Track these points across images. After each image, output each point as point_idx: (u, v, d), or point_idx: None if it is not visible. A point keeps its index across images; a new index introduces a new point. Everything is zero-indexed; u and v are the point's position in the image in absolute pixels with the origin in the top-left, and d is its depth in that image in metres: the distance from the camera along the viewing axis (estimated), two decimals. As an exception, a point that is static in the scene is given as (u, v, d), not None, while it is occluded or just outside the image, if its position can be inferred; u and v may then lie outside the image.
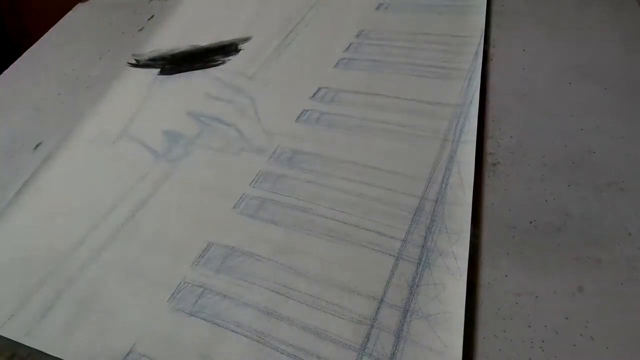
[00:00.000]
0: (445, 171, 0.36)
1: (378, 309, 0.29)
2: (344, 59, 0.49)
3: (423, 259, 0.31)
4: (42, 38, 0.63)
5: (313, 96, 0.46)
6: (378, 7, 0.56)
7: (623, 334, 0.27)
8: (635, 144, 0.37)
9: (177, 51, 0.55)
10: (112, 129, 0.46)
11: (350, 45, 0.51)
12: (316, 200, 0.36)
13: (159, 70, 0.53)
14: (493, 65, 0.46)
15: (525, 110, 0.41)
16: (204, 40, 0.56)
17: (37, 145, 0.47)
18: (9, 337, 0.31)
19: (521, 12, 0.52)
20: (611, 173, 0.35)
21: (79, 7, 0.68)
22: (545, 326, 0.28)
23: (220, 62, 0.52)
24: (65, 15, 0.67)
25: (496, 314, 0.28)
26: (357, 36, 0.52)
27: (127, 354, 0.29)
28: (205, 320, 0.30)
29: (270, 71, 0.50)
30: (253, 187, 0.38)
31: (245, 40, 0.55)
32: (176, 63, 0.53)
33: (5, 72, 0.58)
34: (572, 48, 0.46)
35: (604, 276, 0.29)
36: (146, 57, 0.55)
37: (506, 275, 0.30)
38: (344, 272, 0.31)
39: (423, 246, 0.32)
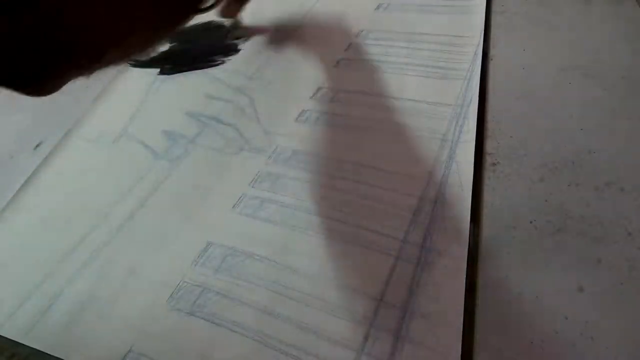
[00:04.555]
0: (445, 171, 0.36)
1: (377, 308, 0.29)
2: (343, 59, 0.49)
3: (422, 259, 0.31)
4: (42, 38, 0.63)
5: (313, 96, 0.46)
6: (378, 7, 0.56)
7: (623, 334, 0.27)
8: (635, 144, 0.37)
9: (177, 51, 0.55)
10: (112, 129, 0.46)
11: (350, 45, 0.51)
12: (316, 200, 0.36)
13: (159, 70, 0.53)
14: (493, 65, 0.46)
15: (525, 110, 0.41)
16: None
17: (37, 145, 0.47)
18: (9, 337, 0.31)
19: (521, 12, 0.52)
20: (611, 173, 0.35)
21: (80, 7, 0.68)
22: (545, 326, 0.28)
23: (220, 62, 0.52)
24: (66, 16, 0.67)
25: (496, 314, 0.28)
26: (357, 36, 0.52)
27: (126, 354, 0.29)
28: (204, 319, 0.30)
29: (270, 71, 0.50)
30: (252, 187, 0.38)
31: (246, 40, 0.55)
32: (176, 63, 0.53)
33: (6, 72, 0.58)
34: (572, 48, 0.46)
35: (604, 276, 0.29)
36: (146, 57, 0.55)
37: (506, 275, 0.30)
38: (343, 272, 0.31)
39: (422, 246, 0.32)
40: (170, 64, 0.53)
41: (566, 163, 0.36)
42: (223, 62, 0.52)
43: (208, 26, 0.58)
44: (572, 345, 0.27)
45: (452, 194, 0.35)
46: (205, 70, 0.52)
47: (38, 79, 0.21)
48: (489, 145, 0.38)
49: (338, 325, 0.29)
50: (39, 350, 0.31)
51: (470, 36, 0.49)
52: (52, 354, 0.30)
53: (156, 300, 0.32)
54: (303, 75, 0.48)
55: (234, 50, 0.53)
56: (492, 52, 0.47)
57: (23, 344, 0.31)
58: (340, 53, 0.50)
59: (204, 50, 0.54)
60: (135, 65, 0.54)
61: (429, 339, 0.27)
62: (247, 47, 0.54)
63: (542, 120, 0.40)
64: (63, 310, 0.32)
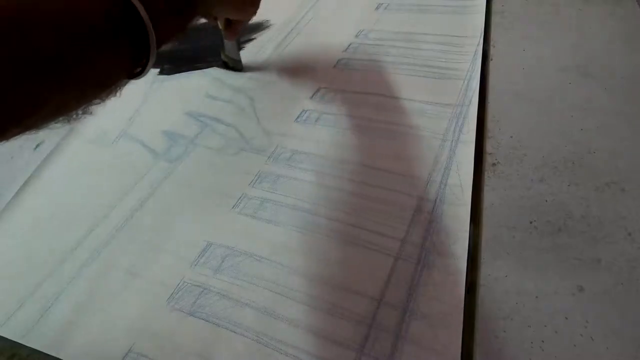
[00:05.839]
0: (444, 171, 0.36)
1: (377, 309, 0.29)
2: (343, 59, 0.49)
3: (422, 259, 0.31)
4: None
5: (312, 96, 0.46)
6: (378, 7, 0.56)
7: (623, 334, 0.27)
8: (635, 144, 0.37)
9: (177, 51, 0.55)
10: (112, 129, 0.46)
11: (350, 45, 0.51)
12: (316, 200, 0.36)
13: (159, 70, 0.53)
14: (493, 65, 0.46)
15: (525, 110, 0.41)
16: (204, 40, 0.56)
17: (37, 145, 0.47)
18: (9, 337, 0.31)
19: (521, 12, 0.52)
20: (611, 173, 0.35)
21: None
22: (545, 326, 0.28)
23: (220, 62, 0.52)
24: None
25: (496, 314, 0.28)
26: (357, 36, 0.52)
27: (126, 354, 0.29)
28: (204, 320, 0.30)
29: (270, 71, 0.50)
30: (252, 187, 0.38)
31: (246, 40, 0.55)
32: (176, 63, 0.53)
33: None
34: (572, 48, 0.46)
35: (604, 276, 0.29)
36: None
37: (506, 275, 0.30)
38: (343, 272, 0.31)
39: (422, 246, 0.32)
40: (170, 64, 0.53)
41: (566, 163, 0.36)
42: (223, 62, 0.52)
43: (208, 26, 0.58)
44: (572, 345, 0.27)
45: (452, 194, 0.35)
46: (205, 70, 0.52)
47: None
48: (489, 145, 0.38)
49: (338, 325, 0.29)
50: (39, 350, 0.31)
51: (470, 36, 0.49)
52: (52, 354, 0.30)
53: (156, 300, 0.32)
54: (303, 75, 0.48)
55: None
56: (492, 52, 0.47)
57: (23, 344, 0.31)
58: (340, 53, 0.50)
59: (204, 50, 0.54)
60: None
61: (428, 339, 0.27)
62: (247, 47, 0.54)
63: (542, 120, 0.40)
64: (63, 310, 0.32)
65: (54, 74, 0.21)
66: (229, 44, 0.49)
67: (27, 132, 0.22)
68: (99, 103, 0.26)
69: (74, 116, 0.24)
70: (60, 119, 0.23)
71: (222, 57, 0.50)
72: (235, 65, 0.50)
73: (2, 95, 0.19)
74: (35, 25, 0.19)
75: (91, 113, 0.26)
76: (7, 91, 0.19)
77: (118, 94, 0.27)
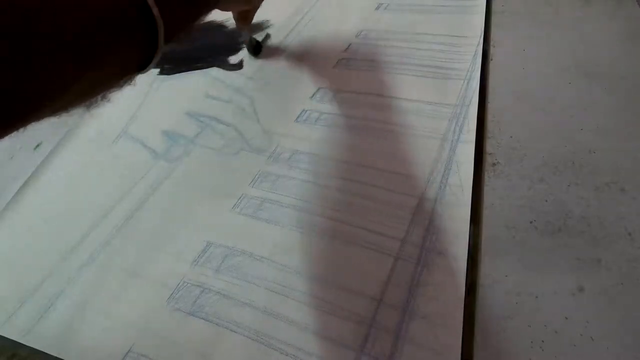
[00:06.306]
0: (445, 171, 0.36)
1: (377, 309, 0.29)
2: (343, 59, 0.49)
3: (422, 259, 0.31)
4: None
5: (312, 96, 0.46)
6: (378, 7, 0.56)
7: (623, 334, 0.27)
8: (635, 144, 0.37)
9: (177, 51, 0.55)
10: (112, 129, 0.46)
11: (350, 45, 0.51)
12: (316, 200, 0.36)
13: (159, 70, 0.53)
14: (493, 65, 0.46)
15: (525, 110, 0.41)
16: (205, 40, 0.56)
17: (37, 146, 0.47)
18: (9, 337, 0.32)
19: (521, 12, 0.52)
20: (611, 173, 0.35)
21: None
22: (545, 326, 0.28)
23: (220, 62, 0.52)
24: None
25: (496, 314, 0.28)
26: (357, 36, 0.52)
27: (126, 354, 0.29)
28: (204, 319, 0.30)
29: (270, 71, 0.50)
30: (252, 187, 0.38)
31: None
32: (176, 63, 0.53)
33: (6, 72, 0.58)
34: (572, 48, 0.46)
35: (604, 276, 0.29)
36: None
37: (506, 275, 0.30)
38: (343, 272, 0.31)
39: (422, 246, 0.32)
40: (170, 64, 0.53)
41: (566, 163, 0.36)
42: (223, 62, 0.52)
43: (208, 26, 0.58)
44: (572, 345, 0.27)
45: (452, 194, 0.35)
46: (205, 70, 0.52)
47: None
48: (489, 145, 0.38)
49: (338, 325, 0.29)
50: (39, 350, 0.31)
51: (470, 36, 0.49)
52: (52, 354, 0.30)
53: (156, 300, 0.32)
54: (303, 75, 0.48)
55: (234, 50, 0.53)
56: (492, 52, 0.47)
57: (23, 344, 0.31)
58: (340, 53, 0.50)
59: (204, 50, 0.54)
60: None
61: (428, 339, 0.27)
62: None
63: (542, 120, 0.40)
64: (63, 310, 0.32)
65: (80, 55, 0.22)
66: (244, 32, 0.50)
67: (54, 116, 0.23)
68: (116, 90, 0.26)
69: (94, 102, 0.25)
70: (82, 104, 0.24)
71: (246, 43, 0.52)
72: (255, 45, 0.52)
73: (37, 73, 0.20)
74: (61, 7, 0.20)
75: (109, 100, 0.27)
76: (41, 70, 0.20)
77: (133, 82, 0.27)
